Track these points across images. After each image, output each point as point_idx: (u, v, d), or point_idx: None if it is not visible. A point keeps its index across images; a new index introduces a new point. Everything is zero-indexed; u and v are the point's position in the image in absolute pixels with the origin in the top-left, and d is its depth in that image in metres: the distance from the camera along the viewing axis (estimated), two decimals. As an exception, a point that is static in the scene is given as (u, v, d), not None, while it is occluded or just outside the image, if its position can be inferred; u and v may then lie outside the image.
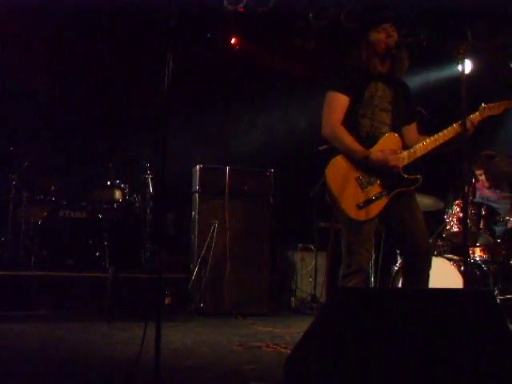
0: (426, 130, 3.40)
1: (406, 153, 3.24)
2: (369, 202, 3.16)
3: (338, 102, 3.27)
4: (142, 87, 6.66)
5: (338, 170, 3.20)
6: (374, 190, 3.19)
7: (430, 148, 3.24)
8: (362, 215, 3.15)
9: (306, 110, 6.90)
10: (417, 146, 3.26)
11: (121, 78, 6.95)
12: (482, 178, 5.50)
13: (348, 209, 3.14)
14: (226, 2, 6.31)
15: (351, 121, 3.26)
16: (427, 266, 3.24)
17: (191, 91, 6.81)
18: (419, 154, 3.24)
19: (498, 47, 6.04)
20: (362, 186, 3.18)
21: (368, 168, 3.19)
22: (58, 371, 3.12)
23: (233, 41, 7.24)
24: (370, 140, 3.24)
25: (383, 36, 3.26)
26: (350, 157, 3.20)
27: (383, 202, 3.19)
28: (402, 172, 3.22)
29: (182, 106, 6.34)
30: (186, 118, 6.71)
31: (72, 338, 4.05)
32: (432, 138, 3.25)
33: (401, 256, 3.40)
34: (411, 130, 3.42)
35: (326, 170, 3.20)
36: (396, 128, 3.32)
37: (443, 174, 5.38)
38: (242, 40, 7.25)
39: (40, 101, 6.78)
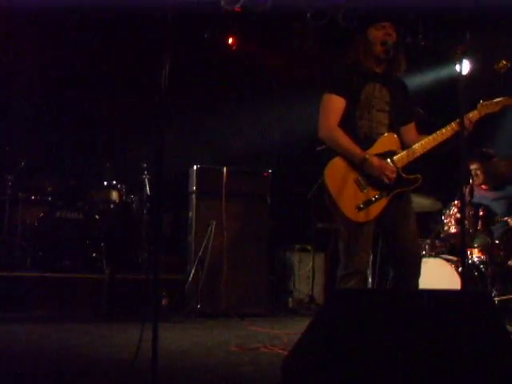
0: (424, 131, 3.39)
1: (404, 153, 3.22)
2: (369, 203, 3.14)
3: (335, 104, 3.24)
4: (140, 87, 6.65)
5: (336, 172, 3.17)
6: (374, 191, 3.16)
7: (428, 147, 3.22)
8: (361, 217, 3.12)
9: (305, 111, 6.90)
10: (415, 145, 3.23)
11: (118, 79, 6.94)
12: (477, 173, 5.43)
13: (347, 211, 3.12)
14: (223, 2, 6.30)
15: (348, 123, 3.23)
16: (416, 272, 3.20)
17: (188, 92, 6.80)
18: (418, 154, 3.22)
19: (497, 47, 6.04)
20: (362, 188, 3.15)
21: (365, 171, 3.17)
22: (54, 372, 3.10)
23: (230, 41, 7.23)
24: (367, 141, 3.21)
25: (382, 34, 3.23)
26: (348, 159, 3.19)
27: (383, 202, 3.17)
28: (401, 172, 3.21)
29: (180, 106, 6.33)
30: (183, 118, 6.70)
31: (68, 339, 4.03)
32: (430, 137, 3.23)
33: (390, 261, 3.34)
34: (410, 129, 3.39)
35: (325, 172, 3.18)
36: (394, 128, 3.29)
37: (441, 174, 5.38)
38: (239, 40, 7.25)
39: (37, 101, 6.77)
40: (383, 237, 3.35)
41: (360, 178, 3.16)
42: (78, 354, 3.60)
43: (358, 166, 3.15)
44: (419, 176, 3.22)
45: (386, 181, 3.14)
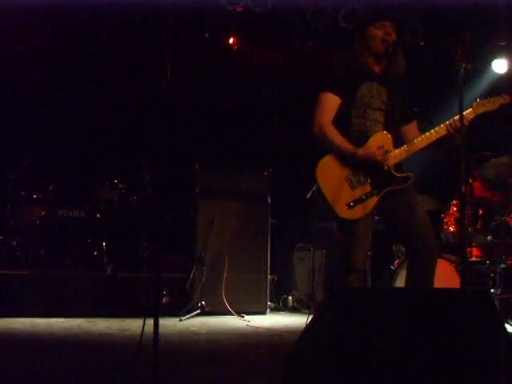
0: (423, 131, 3.39)
1: (396, 151, 3.22)
2: (359, 201, 3.15)
3: (329, 103, 3.26)
4: (142, 86, 6.66)
5: (327, 170, 3.19)
6: (364, 189, 3.17)
7: (421, 146, 3.21)
8: (352, 214, 3.14)
9: (305, 110, 6.90)
10: (408, 144, 3.24)
11: (120, 77, 6.95)
12: (480, 177, 5.46)
13: (338, 209, 3.14)
14: (224, 2, 6.31)
15: (343, 121, 3.25)
16: (431, 265, 3.20)
17: (190, 91, 6.81)
18: (411, 152, 3.22)
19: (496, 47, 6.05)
20: (352, 186, 3.17)
21: (357, 167, 3.17)
22: (55, 370, 3.12)
23: (231, 40, 7.24)
24: (361, 139, 3.22)
25: (381, 33, 3.23)
26: (339, 156, 3.19)
27: (373, 200, 3.18)
28: (392, 170, 3.21)
29: (181, 105, 6.34)
30: (185, 117, 6.71)
31: (70, 337, 4.05)
32: (424, 135, 3.23)
33: (406, 255, 3.38)
34: (412, 128, 3.39)
35: (316, 171, 3.19)
36: (390, 127, 3.29)
37: (441, 173, 5.39)
38: (240, 40, 7.25)
39: (39, 100, 6.78)
40: (394, 234, 3.36)
41: (351, 176, 3.18)
42: (79, 351, 3.62)
43: (349, 162, 3.16)
44: (411, 174, 3.23)
45: (384, 164, 3.13)
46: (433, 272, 3.21)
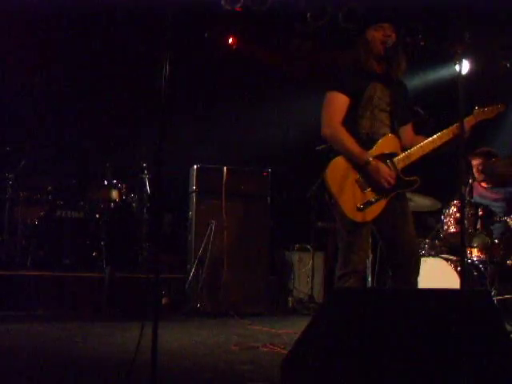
0: (423, 130, 3.41)
1: (404, 155, 3.25)
2: (369, 203, 3.16)
3: (339, 103, 3.26)
4: (140, 87, 6.66)
5: (338, 171, 3.19)
6: (374, 192, 3.18)
7: (427, 150, 3.26)
8: (361, 217, 3.14)
9: (304, 110, 6.90)
10: (415, 148, 3.27)
11: (118, 78, 6.94)
12: (479, 168, 5.40)
13: (348, 210, 3.13)
14: (223, 2, 6.30)
15: (350, 121, 3.25)
16: (415, 271, 3.23)
17: (189, 91, 6.81)
18: (417, 156, 3.25)
19: (496, 47, 6.05)
20: (362, 188, 3.17)
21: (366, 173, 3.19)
22: (54, 371, 3.11)
23: (230, 41, 7.23)
24: (369, 141, 3.23)
25: (381, 35, 3.25)
26: (350, 159, 3.21)
27: (382, 203, 3.19)
28: (400, 174, 3.23)
29: (180, 106, 6.33)
30: (184, 117, 6.71)
31: (68, 338, 4.04)
32: (429, 140, 3.27)
33: (388, 261, 3.33)
34: (407, 130, 3.43)
35: (326, 171, 3.19)
36: (395, 128, 3.32)
37: (441, 174, 5.38)
38: (239, 40, 7.25)
39: (37, 100, 6.78)
40: (381, 236, 3.37)
41: (361, 179, 3.18)
42: (78, 352, 3.61)
43: (359, 167, 3.17)
44: (417, 178, 3.26)
45: (386, 186, 3.16)
46: (416, 278, 3.23)
